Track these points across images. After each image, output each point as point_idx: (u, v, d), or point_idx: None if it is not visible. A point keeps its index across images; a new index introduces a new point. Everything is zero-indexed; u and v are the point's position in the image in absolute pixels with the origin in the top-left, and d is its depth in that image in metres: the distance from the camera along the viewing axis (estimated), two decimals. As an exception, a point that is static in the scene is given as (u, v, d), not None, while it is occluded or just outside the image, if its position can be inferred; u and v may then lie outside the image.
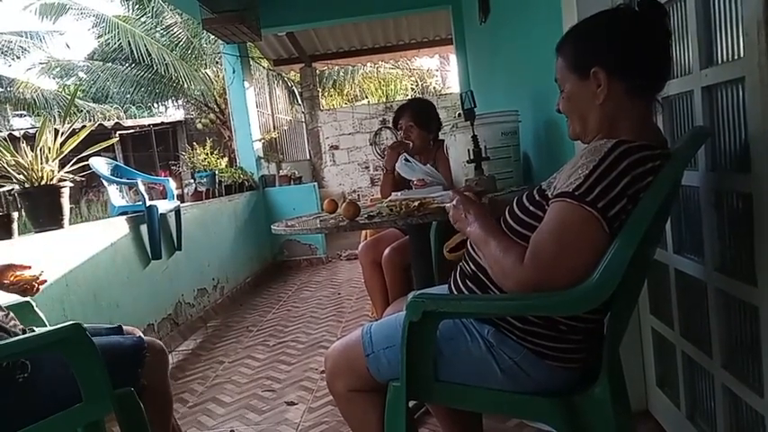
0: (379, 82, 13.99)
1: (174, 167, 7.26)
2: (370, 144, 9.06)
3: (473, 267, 1.29)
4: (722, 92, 1.30)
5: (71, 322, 1.38)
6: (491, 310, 1.19)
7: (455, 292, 1.33)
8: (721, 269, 1.36)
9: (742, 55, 1.18)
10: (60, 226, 2.68)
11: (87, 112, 12.73)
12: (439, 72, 15.77)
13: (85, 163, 2.96)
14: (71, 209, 2.85)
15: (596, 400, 1.18)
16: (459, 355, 1.24)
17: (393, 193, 2.51)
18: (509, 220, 1.25)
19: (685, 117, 1.49)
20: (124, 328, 1.83)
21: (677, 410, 1.71)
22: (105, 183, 3.64)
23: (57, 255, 2.57)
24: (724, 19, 1.26)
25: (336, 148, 9.24)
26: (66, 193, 2.74)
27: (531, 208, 1.20)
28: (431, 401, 1.53)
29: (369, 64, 12.78)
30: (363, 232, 3.55)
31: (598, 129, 1.18)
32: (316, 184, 6.27)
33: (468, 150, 2.29)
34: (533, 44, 2.56)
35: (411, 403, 1.29)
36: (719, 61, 1.30)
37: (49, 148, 2.61)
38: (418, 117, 2.83)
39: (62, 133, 2.70)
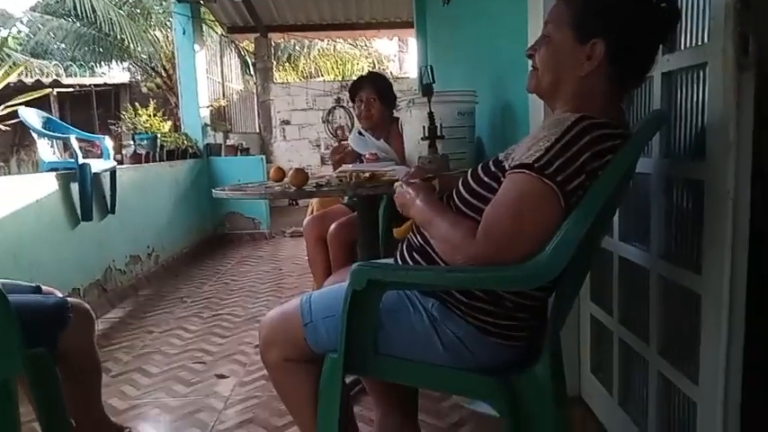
0: (336, 60, 13.75)
1: (113, 127, 6.91)
2: (323, 122, 8.90)
3: (420, 240, 1.24)
4: (682, 78, 1.29)
5: (-22, 271, 1.25)
6: (439, 281, 1.15)
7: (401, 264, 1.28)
8: (666, 257, 1.37)
9: (706, 41, 1.16)
10: (-21, 176, 2.48)
11: (24, 66, 11.96)
12: (397, 57, 15.68)
13: (15, 109, 2.74)
14: (0, 167, 2.65)
15: (536, 379, 1.15)
16: (401, 328, 1.19)
17: (344, 165, 2.44)
18: (462, 191, 1.20)
19: (643, 103, 1.48)
20: (43, 288, 1.70)
21: (609, 396, 1.73)
22: (35, 136, 3.40)
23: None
24: (690, 3, 1.24)
25: (288, 123, 9.03)
26: (-12, 140, 2.53)
27: (485, 179, 1.16)
28: (368, 375, 1.48)
29: (326, 41, 12.56)
30: (310, 208, 3.46)
31: (568, 99, 1.14)
32: (264, 157, 6.10)
33: (424, 127, 2.24)
34: (496, 28, 2.53)
35: (348, 380, 1.24)
36: (682, 47, 1.28)
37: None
38: (380, 91, 2.76)
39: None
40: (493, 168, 1.16)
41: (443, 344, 1.17)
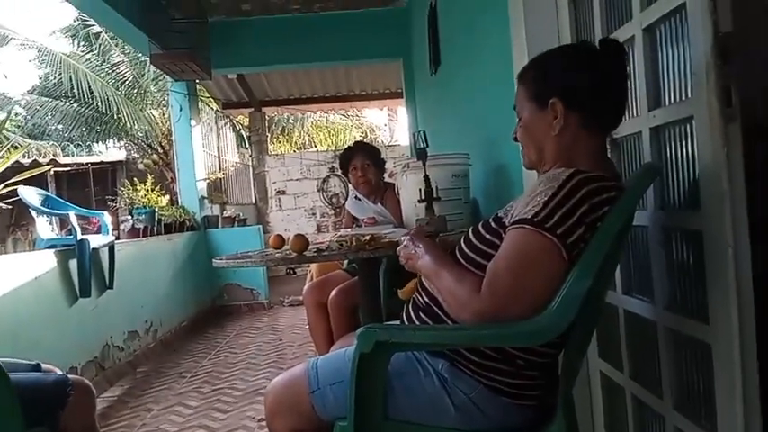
0: (329, 131, 14.10)
1: (111, 203, 6.96)
2: (318, 190, 9.01)
3: (426, 299, 1.24)
4: (670, 132, 1.33)
5: (-20, 351, 1.23)
6: (447, 340, 1.14)
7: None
8: (671, 308, 1.36)
9: (689, 96, 1.21)
10: (-22, 255, 2.48)
11: (22, 147, 12.17)
12: (387, 126, 16.08)
13: (13, 189, 2.78)
14: (-5, 248, 2.67)
15: (552, 440, 1.13)
16: (411, 391, 1.17)
17: (343, 230, 2.46)
18: (464, 248, 1.21)
19: (634, 158, 1.52)
20: (43, 365, 1.67)
21: (626, 456, 1.67)
22: (34, 214, 3.42)
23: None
24: (671, 62, 1.30)
25: (283, 193, 9.13)
26: (-13, 220, 2.55)
27: (487, 236, 1.18)
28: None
29: (318, 113, 12.89)
30: (309, 275, 3.45)
31: (555, 159, 1.18)
32: (261, 227, 6.13)
33: (420, 190, 2.28)
34: (483, 93, 2.62)
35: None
36: (667, 103, 1.34)
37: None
38: (372, 156, 2.83)
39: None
40: (493, 225, 1.18)
41: (455, 405, 1.15)
